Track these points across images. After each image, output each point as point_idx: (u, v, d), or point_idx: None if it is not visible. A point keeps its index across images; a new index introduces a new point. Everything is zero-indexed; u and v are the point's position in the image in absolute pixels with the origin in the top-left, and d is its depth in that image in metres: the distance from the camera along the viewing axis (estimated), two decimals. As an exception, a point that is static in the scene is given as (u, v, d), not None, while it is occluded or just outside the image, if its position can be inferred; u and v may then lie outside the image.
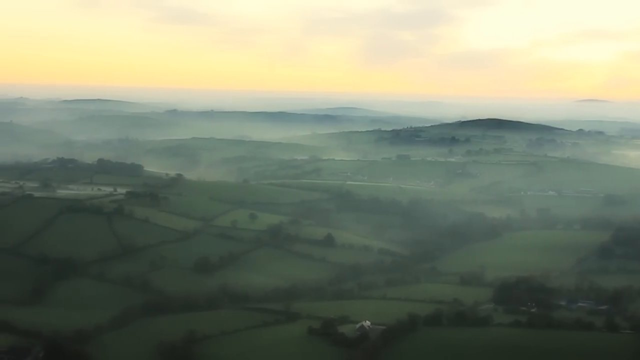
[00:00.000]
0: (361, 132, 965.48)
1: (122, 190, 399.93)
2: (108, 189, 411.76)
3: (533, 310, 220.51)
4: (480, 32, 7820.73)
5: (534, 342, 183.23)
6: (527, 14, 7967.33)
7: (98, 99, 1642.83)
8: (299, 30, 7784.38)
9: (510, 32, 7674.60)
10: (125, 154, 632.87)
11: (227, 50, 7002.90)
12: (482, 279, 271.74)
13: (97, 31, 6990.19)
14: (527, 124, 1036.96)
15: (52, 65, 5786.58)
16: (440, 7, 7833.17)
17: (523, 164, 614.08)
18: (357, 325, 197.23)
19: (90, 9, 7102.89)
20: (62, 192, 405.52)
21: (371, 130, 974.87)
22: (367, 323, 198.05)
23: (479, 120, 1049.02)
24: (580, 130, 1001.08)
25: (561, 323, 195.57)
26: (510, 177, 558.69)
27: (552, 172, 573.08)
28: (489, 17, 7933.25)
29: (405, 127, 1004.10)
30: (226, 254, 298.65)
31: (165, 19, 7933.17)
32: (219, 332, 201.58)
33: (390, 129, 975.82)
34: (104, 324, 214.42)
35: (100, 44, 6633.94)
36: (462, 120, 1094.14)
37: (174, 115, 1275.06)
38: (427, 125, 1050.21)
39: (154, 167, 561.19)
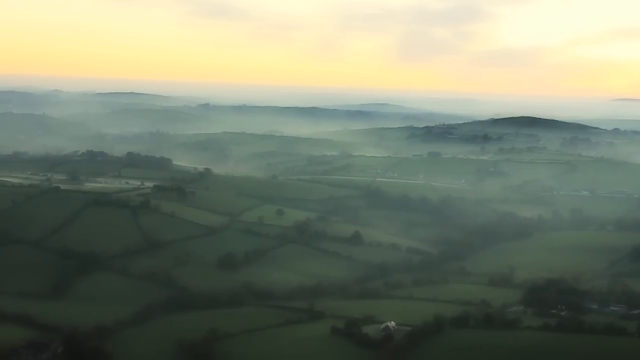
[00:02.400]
0: (393, 128, 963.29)
1: (149, 184, 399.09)
2: (136, 183, 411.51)
3: (563, 313, 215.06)
4: (516, 30, 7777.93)
5: (564, 347, 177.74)
6: (563, 12, 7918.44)
7: (131, 92, 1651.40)
8: (333, 26, 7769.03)
9: (546, 30, 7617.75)
10: (155, 148, 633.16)
11: (262, 45, 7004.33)
12: (511, 280, 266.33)
13: (133, 25, 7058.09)
14: (561, 122, 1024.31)
15: (87, 58, 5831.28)
16: (475, 3, 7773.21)
17: (556, 163, 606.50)
18: (382, 326, 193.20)
19: (127, 2, 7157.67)
20: (90, 185, 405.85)
21: (403, 127, 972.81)
22: (392, 324, 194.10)
23: (513, 118, 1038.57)
24: (616, 129, 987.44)
25: (592, 327, 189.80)
26: (543, 176, 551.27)
27: (586, 171, 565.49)
28: (524, 15, 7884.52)
29: (438, 124, 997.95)
30: (251, 250, 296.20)
31: (201, 13, 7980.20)
32: (241, 330, 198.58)
33: (423, 125, 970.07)
34: (125, 320, 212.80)
35: (136, 38, 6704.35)
36: (495, 117, 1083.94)
37: (206, 109, 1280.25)
38: (460, 122, 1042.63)
39: (184, 161, 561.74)
